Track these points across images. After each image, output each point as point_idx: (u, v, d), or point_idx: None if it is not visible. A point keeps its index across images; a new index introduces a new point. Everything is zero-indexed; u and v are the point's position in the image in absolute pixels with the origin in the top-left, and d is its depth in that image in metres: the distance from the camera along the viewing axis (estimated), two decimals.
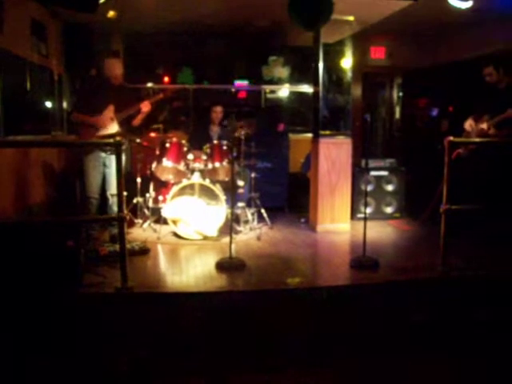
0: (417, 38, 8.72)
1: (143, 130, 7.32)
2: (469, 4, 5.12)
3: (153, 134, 8.16)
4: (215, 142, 6.36)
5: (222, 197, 6.00)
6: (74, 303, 4.04)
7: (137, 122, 5.89)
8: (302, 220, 7.07)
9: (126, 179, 6.07)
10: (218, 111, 7.01)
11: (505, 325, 4.20)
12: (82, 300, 4.10)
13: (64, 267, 4.19)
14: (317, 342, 4.01)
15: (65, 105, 7.60)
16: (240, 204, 6.48)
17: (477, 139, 5.76)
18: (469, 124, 5.97)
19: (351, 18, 6.65)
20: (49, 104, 7.10)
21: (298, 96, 9.39)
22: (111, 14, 6.32)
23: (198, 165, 6.13)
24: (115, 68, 5.75)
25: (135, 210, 6.61)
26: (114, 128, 5.63)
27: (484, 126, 5.64)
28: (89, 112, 5.59)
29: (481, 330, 4.14)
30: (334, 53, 7.32)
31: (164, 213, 6.01)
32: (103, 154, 5.62)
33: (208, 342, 3.92)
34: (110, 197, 5.73)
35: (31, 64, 6.37)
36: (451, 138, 4.68)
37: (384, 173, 7.21)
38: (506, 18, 6.61)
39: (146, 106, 5.77)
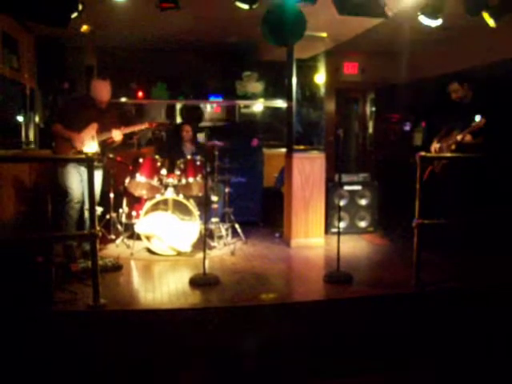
0: (389, 54, 8.85)
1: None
2: (438, 22, 5.22)
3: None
4: (189, 157, 6.34)
5: (196, 212, 5.97)
6: (44, 321, 3.97)
7: (111, 145, 5.91)
8: (277, 235, 7.06)
9: (102, 195, 6.06)
10: (187, 130, 7.03)
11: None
12: (53, 318, 4.04)
13: (34, 284, 4.12)
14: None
15: (37, 119, 7.51)
16: (214, 219, 6.46)
17: (448, 154, 5.85)
18: (433, 148, 6.07)
19: (324, 35, 6.71)
20: (20, 118, 7.01)
21: (272, 111, 9.42)
22: (84, 28, 6.29)
23: (172, 180, 6.10)
24: (102, 92, 5.67)
25: (108, 226, 6.53)
26: (92, 147, 5.54)
27: (459, 137, 5.69)
28: (70, 127, 5.51)
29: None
30: (307, 68, 7.38)
31: (137, 228, 5.95)
32: (82, 168, 5.52)
33: (182, 359, 3.88)
34: (86, 211, 5.64)
35: (2, 78, 6.29)
36: (422, 153, 4.75)
37: (357, 187, 7.24)
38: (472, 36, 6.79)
39: (117, 136, 5.73)
